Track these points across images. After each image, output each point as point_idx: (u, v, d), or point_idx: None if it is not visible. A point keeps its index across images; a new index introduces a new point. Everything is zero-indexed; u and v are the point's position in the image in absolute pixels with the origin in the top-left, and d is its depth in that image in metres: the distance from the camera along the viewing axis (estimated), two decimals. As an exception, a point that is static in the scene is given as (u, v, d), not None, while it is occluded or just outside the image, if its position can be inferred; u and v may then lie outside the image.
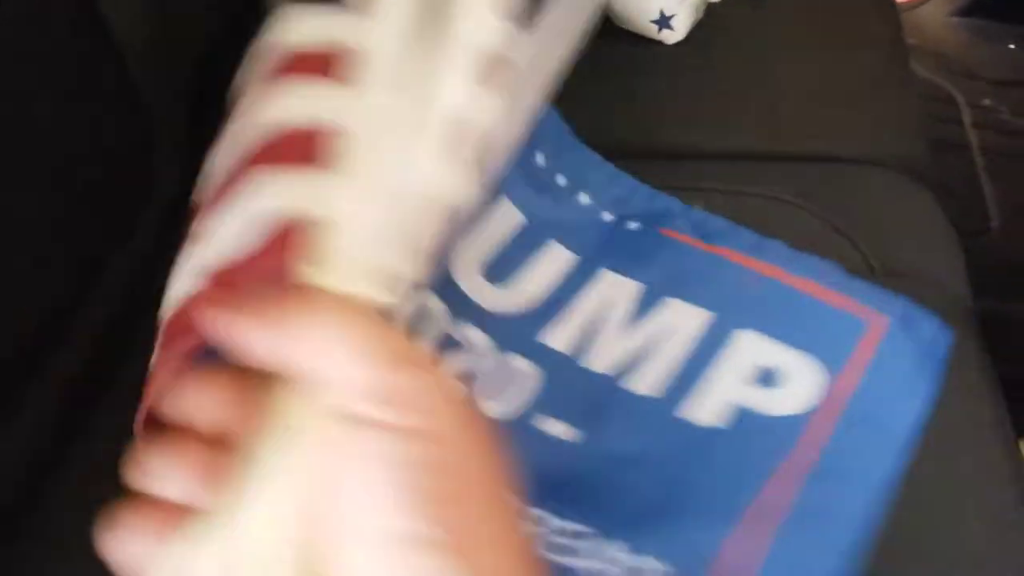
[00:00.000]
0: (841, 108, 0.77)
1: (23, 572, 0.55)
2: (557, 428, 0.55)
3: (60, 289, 0.59)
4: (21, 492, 0.56)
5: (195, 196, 0.36)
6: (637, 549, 0.49)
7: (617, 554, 0.49)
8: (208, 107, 0.73)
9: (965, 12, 1.56)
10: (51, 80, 0.57)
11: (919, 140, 0.79)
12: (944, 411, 0.58)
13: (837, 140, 0.72)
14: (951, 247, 0.70)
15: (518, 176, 0.66)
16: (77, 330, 0.59)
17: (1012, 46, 1.55)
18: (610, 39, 0.84)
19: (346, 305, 0.28)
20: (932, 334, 0.59)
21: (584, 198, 0.68)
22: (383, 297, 0.29)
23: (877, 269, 0.66)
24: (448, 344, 0.59)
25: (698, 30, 0.83)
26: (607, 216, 0.66)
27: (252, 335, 0.27)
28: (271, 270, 0.30)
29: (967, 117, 1.45)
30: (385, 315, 0.29)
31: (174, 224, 0.67)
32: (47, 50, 0.56)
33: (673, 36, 0.82)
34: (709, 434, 0.54)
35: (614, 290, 0.62)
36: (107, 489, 0.28)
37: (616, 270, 0.63)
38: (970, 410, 0.58)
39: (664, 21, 0.81)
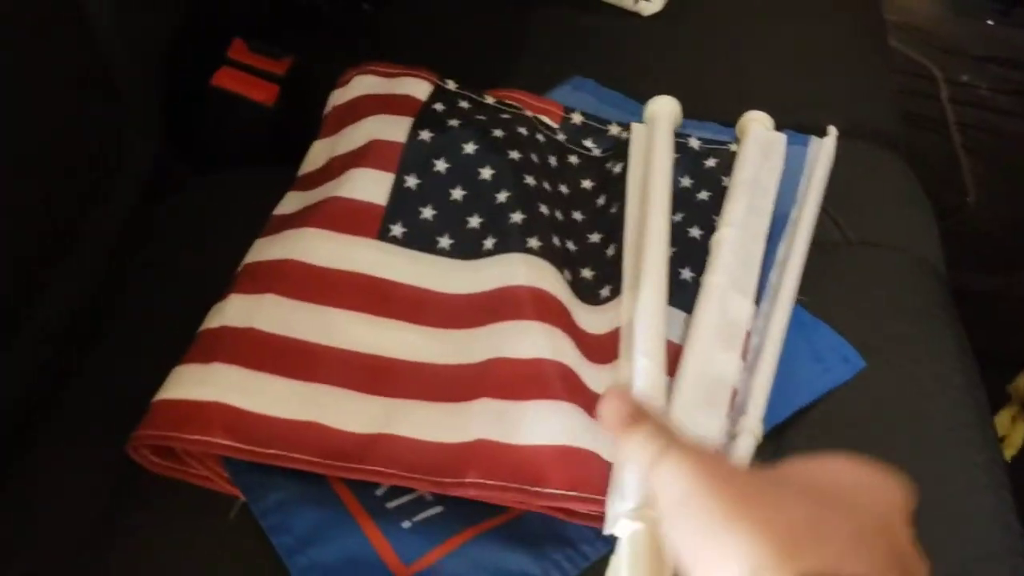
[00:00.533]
0: (816, 79, 0.77)
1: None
2: None
3: (33, 256, 0.58)
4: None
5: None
6: None
7: None
8: (179, 84, 0.73)
9: (944, -13, 1.56)
10: (23, 56, 0.56)
11: (894, 111, 0.79)
12: (916, 377, 0.58)
13: (811, 111, 0.71)
14: (926, 217, 0.70)
15: None
16: (51, 295, 0.59)
17: (991, 22, 1.55)
18: (588, 11, 0.84)
19: None
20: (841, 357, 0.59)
21: None
22: None
23: (852, 239, 0.66)
24: None
25: (675, 1, 0.83)
26: None
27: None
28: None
29: (945, 93, 1.45)
30: None
31: (150, 193, 0.67)
32: (21, 26, 0.56)
33: (650, 8, 0.82)
34: None
35: None
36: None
37: None
38: (941, 375, 0.59)
39: (641, -8, 0.81)
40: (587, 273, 0.62)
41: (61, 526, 0.55)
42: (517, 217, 0.61)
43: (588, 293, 0.61)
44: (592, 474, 0.50)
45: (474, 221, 0.62)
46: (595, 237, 0.64)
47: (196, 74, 0.74)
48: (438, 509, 0.52)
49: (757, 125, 0.68)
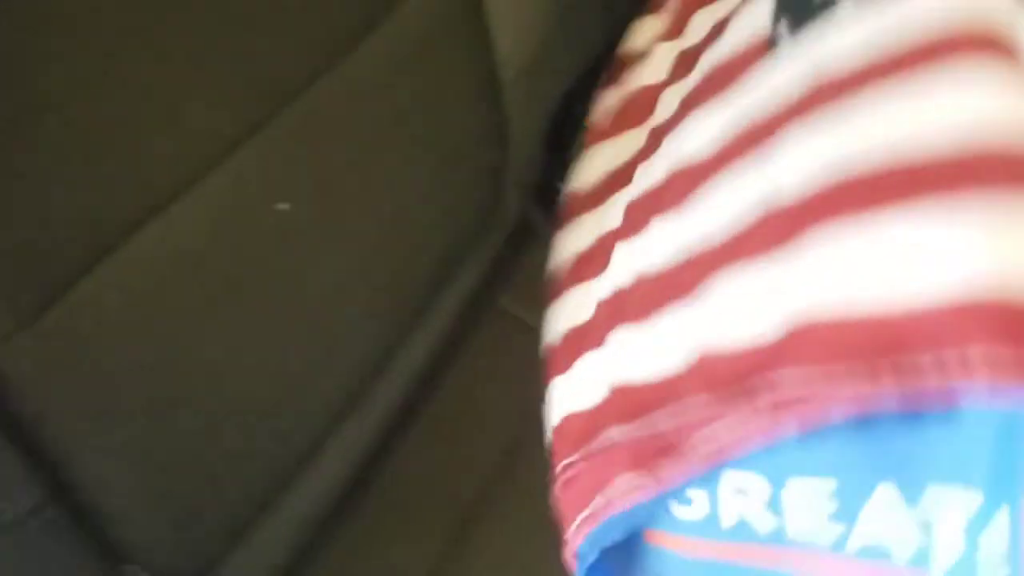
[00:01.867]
0: None
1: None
2: None
3: (405, 301, 0.59)
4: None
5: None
6: None
7: None
8: (555, 136, 0.72)
9: None
10: (438, 93, 0.57)
11: None
12: None
13: None
14: None
15: None
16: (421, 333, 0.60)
17: None
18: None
19: None
20: None
21: None
22: None
23: None
24: None
25: None
26: None
27: None
28: None
29: None
30: None
31: (513, 244, 0.68)
32: (439, 60, 0.57)
33: None
34: None
35: None
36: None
37: None
38: None
39: None
40: None
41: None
42: None
43: None
44: None
45: None
46: None
47: (563, 121, 0.74)
48: None
49: None
